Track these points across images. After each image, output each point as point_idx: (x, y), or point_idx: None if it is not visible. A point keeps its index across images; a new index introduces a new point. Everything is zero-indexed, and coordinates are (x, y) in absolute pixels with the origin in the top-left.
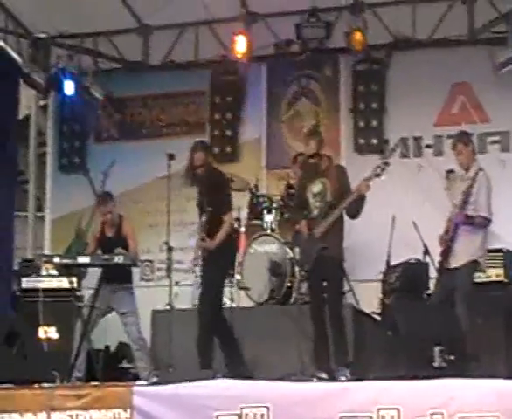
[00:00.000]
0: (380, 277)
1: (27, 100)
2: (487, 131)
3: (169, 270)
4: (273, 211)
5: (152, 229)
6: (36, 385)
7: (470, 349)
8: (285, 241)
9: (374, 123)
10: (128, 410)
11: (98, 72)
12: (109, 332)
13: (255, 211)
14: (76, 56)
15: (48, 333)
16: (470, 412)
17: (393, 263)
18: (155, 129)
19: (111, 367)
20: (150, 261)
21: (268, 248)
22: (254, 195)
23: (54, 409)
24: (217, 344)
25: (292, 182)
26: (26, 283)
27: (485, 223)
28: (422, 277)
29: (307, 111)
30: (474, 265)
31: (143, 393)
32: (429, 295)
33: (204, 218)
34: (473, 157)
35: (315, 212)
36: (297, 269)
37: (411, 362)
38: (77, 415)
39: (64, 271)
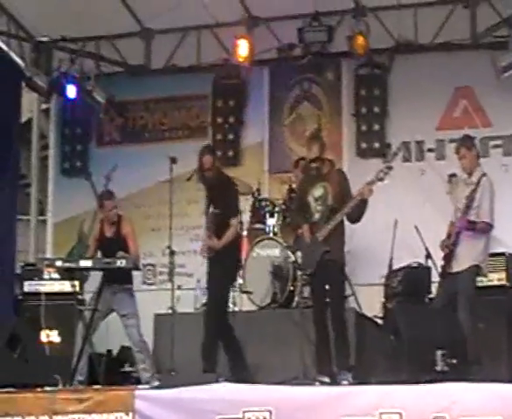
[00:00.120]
0: (382, 281)
1: (29, 104)
2: (490, 135)
3: (171, 274)
4: (276, 215)
5: (154, 233)
6: (38, 389)
7: (472, 353)
8: (287, 245)
9: (376, 127)
10: (130, 414)
11: (100, 76)
12: (111, 336)
13: (257, 215)
14: (78, 59)
15: (50, 336)
16: (472, 416)
17: (395, 267)
18: (157, 133)
19: (113, 371)
20: (152, 265)
21: (270, 252)
22: (256, 199)
23: (56, 413)
24: (221, 348)
25: (294, 185)
26: (28, 286)
27: (487, 228)
28: (424, 281)
29: (309, 115)
30: (476, 270)
31: (145, 397)
32: (431, 299)
33: (211, 217)
34: (477, 162)
35: (317, 216)
36: (299, 273)
37: (414, 366)
38: (79, 418)
39: (66, 274)
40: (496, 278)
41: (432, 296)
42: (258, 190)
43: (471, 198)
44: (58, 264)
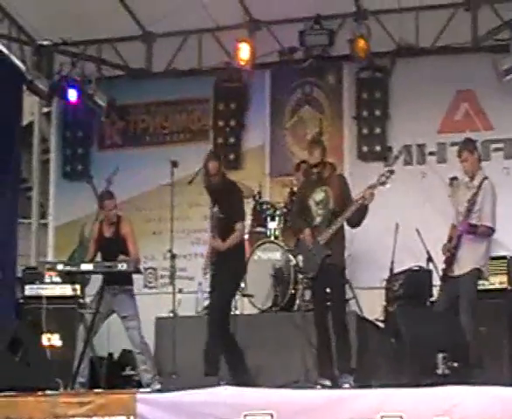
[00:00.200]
0: (384, 284)
1: (30, 107)
2: (491, 138)
3: (172, 277)
4: (277, 218)
5: (155, 236)
6: (39, 392)
7: (474, 356)
8: (288, 248)
9: (377, 130)
10: (132, 417)
11: (101, 80)
12: (112, 339)
13: (258, 218)
14: (79, 63)
15: (51, 340)
16: None
17: (397, 270)
18: (158, 136)
19: (114, 375)
20: (154, 268)
21: (272, 255)
22: (258, 203)
23: (57, 417)
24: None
25: (295, 189)
26: (30, 290)
27: (489, 232)
28: (425, 284)
29: (310, 118)
30: (478, 273)
31: (147, 400)
32: (432, 302)
33: (215, 221)
34: (479, 165)
35: (318, 220)
36: (300, 276)
37: (415, 369)
38: None
39: (67, 278)
40: (498, 282)
41: (433, 299)
42: (259, 193)
43: (472, 202)
44: (60, 267)
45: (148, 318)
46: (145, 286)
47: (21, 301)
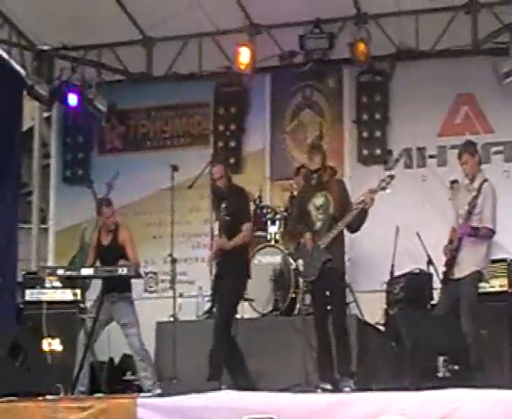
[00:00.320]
0: (384, 287)
1: (31, 112)
2: (491, 141)
3: (172, 281)
4: (277, 222)
5: (156, 240)
6: (40, 397)
7: (474, 359)
8: (288, 252)
9: (377, 134)
10: None
11: (101, 84)
12: (113, 344)
13: (259, 222)
14: (79, 68)
15: (52, 345)
16: None
17: (397, 273)
18: (158, 141)
19: (115, 380)
20: (154, 273)
21: (272, 259)
22: (258, 207)
23: None
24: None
25: (295, 193)
26: (30, 295)
27: (489, 234)
28: (426, 287)
29: (310, 122)
30: (479, 276)
31: (147, 405)
32: (433, 305)
33: (221, 223)
34: (479, 168)
35: (319, 224)
36: (301, 280)
37: (416, 373)
38: None
39: (68, 283)
40: (498, 284)
41: (433, 302)
42: (259, 197)
43: (473, 204)
44: (60, 272)
45: (149, 322)
46: (145, 291)
47: (21, 306)
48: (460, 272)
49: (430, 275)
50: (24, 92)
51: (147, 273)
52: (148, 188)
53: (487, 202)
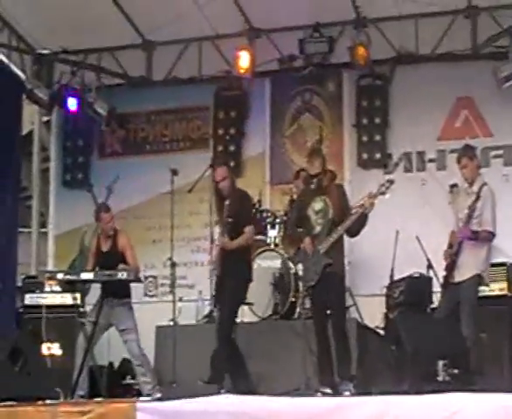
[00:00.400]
0: (384, 291)
1: (30, 116)
2: (491, 145)
3: (172, 285)
4: (277, 226)
5: (155, 244)
6: (39, 402)
7: (474, 363)
8: (288, 256)
9: (377, 138)
10: None
11: (101, 88)
12: (113, 348)
13: (259, 226)
14: (79, 72)
15: (51, 349)
16: None
17: (397, 277)
18: (158, 145)
19: (115, 384)
20: (154, 277)
21: (272, 263)
22: (258, 210)
23: None
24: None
25: (295, 197)
26: (29, 299)
27: (489, 237)
28: (426, 291)
29: (310, 126)
30: (479, 279)
31: (147, 409)
32: (433, 309)
33: (224, 224)
34: (478, 171)
35: (318, 229)
36: (301, 284)
37: (416, 376)
38: None
39: (67, 287)
40: (498, 288)
41: (433, 306)
42: (259, 201)
43: (473, 208)
44: (60, 276)
45: (149, 326)
46: (145, 295)
47: (21, 310)
48: (460, 276)
49: (430, 279)
50: (24, 96)
51: (146, 277)
52: (147, 192)
53: (487, 205)
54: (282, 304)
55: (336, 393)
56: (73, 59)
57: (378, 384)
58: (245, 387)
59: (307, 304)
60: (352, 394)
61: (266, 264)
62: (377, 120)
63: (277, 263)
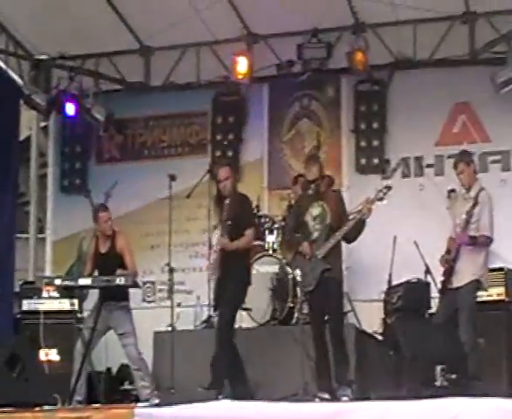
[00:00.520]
0: (382, 296)
1: (28, 122)
2: (488, 150)
3: (170, 291)
4: (275, 232)
5: (153, 250)
6: (37, 408)
7: (472, 368)
8: (286, 261)
9: (375, 143)
10: None
11: (99, 94)
12: (111, 354)
13: (257, 232)
14: (77, 77)
15: (49, 355)
16: None
17: (395, 282)
18: (156, 150)
19: (113, 389)
20: (152, 282)
21: (270, 268)
22: (256, 216)
23: None
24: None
25: (293, 202)
26: (27, 305)
27: (487, 242)
28: (424, 296)
29: (308, 131)
30: (477, 284)
31: (145, 415)
32: (431, 314)
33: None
34: (475, 177)
35: (316, 235)
36: (299, 289)
37: (413, 382)
38: None
39: (65, 293)
40: (495, 293)
41: (431, 311)
42: (257, 207)
43: (470, 214)
44: (57, 282)
45: (147, 332)
46: (143, 300)
47: (19, 316)
48: (458, 281)
49: (427, 284)
50: (22, 102)
51: (145, 283)
52: (145, 198)
53: (484, 210)
54: (280, 309)
55: (334, 398)
56: (71, 65)
57: (377, 389)
58: (243, 392)
59: (306, 309)
60: (350, 400)
61: (264, 270)
62: (375, 126)
63: (275, 268)
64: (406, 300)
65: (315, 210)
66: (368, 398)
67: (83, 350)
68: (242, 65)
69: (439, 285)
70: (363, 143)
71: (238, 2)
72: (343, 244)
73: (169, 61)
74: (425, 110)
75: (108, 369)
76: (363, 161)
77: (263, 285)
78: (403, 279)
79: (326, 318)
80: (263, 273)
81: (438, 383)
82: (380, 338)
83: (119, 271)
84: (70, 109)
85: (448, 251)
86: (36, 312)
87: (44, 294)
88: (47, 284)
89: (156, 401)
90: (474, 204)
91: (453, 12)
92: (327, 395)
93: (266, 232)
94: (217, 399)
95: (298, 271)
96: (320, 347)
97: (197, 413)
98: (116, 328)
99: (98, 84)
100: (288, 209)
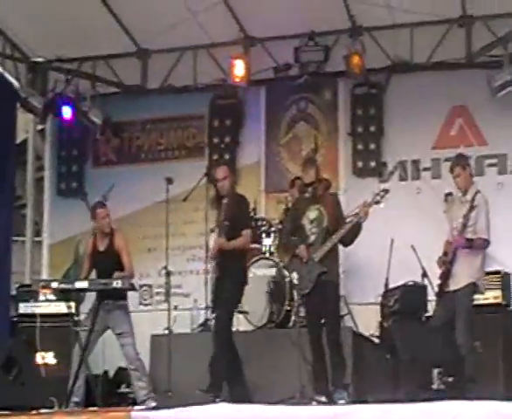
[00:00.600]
0: (379, 300)
1: (25, 125)
2: (485, 154)
3: (167, 294)
4: (272, 235)
5: (150, 253)
6: (34, 411)
7: (469, 371)
8: (283, 264)
9: (372, 146)
10: None
11: (96, 97)
12: (108, 357)
13: (254, 235)
14: (74, 80)
15: (46, 358)
16: None
17: (391, 286)
18: (153, 153)
19: (110, 393)
20: (149, 285)
21: (267, 271)
22: (253, 219)
23: None
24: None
25: (290, 205)
26: (24, 308)
27: (484, 244)
28: (420, 299)
29: (305, 134)
30: (474, 288)
31: (142, 418)
32: (428, 318)
33: (221, 227)
34: (471, 180)
35: (313, 238)
36: (296, 292)
37: (410, 385)
38: None
39: (62, 295)
40: (492, 296)
41: (428, 314)
42: (254, 210)
43: (467, 217)
44: (54, 285)
45: (144, 335)
46: (140, 304)
47: (15, 319)
48: (455, 284)
49: (424, 287)
50: (18, 105)
51: (141, 286)
52: (142, 201)
53: (481, 213)
54: (277, 312)
55: (331, 401)
56: (68, 68)
57: (373, 392)
58: (241, 395)
59: (302, 312)
60: (347, 403)
61: (261, 273)
62: (372, 129)
63: (272, 271)
64: (403, 303)
65: (312, 213)
66: (365, 401)
67: (81, 352)
68: (239, 69)
69: (436, 288)
70: (360, 146)
71: (236, 5)
72: (340, 248)
73: (167, 64)
74: (422, 113)
75: (105, 372)
76: (360, 164)
77: (260, 288)
78: (400, 282)
79: (323, 321)
80: (260, 276)
81: (435, 386)
82: (377, 341)
83: (116, 274)
84: (67, 112)
85: (445, 254)
86: (32, 315)
87: (41, 297)
88: (44, 287)
89: (153, 404)
90: (471, 208)
91: (449, 16)
92: (323, 399)
93: (263, 235)
94: (214, 402)
95: (295, 275)
96: (317, 350)
97: (193, 416)
98: (114, 328)
99: (95, 87)
100: (285, 213)
